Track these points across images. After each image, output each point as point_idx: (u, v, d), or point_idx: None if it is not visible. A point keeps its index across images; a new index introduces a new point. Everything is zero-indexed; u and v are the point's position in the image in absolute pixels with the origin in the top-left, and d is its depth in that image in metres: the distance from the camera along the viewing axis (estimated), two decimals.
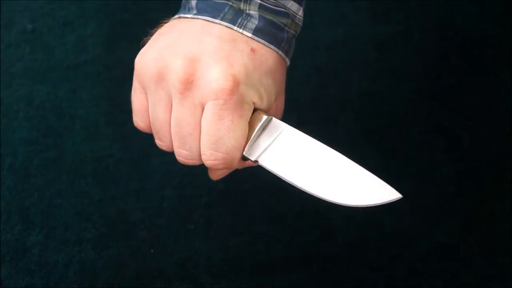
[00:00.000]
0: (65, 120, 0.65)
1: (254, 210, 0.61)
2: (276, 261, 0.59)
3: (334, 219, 0.60)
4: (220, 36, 0.42)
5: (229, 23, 0.43)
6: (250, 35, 0.43)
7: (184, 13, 0.44)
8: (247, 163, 0.46)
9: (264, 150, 0.43)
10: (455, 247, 0.59)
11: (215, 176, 0.47)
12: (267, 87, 0.44)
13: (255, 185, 0.61)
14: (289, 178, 0.43)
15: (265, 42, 0.43)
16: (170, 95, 0.43)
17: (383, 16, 0.71)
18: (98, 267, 0.58)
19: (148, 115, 0.45)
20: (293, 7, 0.44)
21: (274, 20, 0.44)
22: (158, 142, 0.46)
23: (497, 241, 0.60)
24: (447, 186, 0.62)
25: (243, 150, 0.43)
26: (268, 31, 0.43)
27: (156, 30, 0.45)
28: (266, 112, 0.44)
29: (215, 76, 0.41)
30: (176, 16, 0.45)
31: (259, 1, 0.43)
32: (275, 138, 0.44)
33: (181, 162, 0.45)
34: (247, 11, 0.43)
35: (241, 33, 0.43)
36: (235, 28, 0.43)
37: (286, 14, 0.44)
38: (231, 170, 0.47)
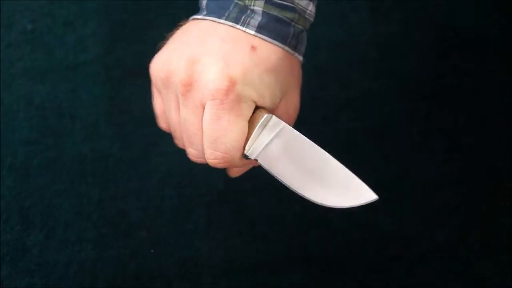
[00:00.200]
0: (65, 120, 0.65)
1: (254, 210, 0.61)
2: (276, 261, 0.59)
3: (334, 220, 0.60)
4: (222, 36, 0.43)
5: (233, 22, 0.43)
6: (253, 32, 0.43)
7: (197, 15, 0.45)
8: (252, 161, 0.46)
9: (263, 149, 0.44)
10: (455, 247, 0.59)
11: (231, 173, 0.48)
12: (269, 85, 0.43)
13: (255, 185, 0.61)
14: (277, 174, 0.44)
15: (268, 38, 0.43)
16: (177, 97, 0.44)
17: (383, 16, 0.71)
18: (98, 267, 0.58)
19: (166, 117, 0.46)
20: (302, 2, 0.44)
21: (279, 15, 0.43)
22: (175, 141, 0.47)
23: (497, 241, 0.60)
24: (447, 186, 0.62)
25: (244, 149, 0.43)
26: (272, 27, 0.43)
27: (172, 34, 0.46)
28: (273, 110, 0.44)
29: (211, 77, 0.42)
30: (191, 18, 0.46)
31: None
32: (273, 137, 0.44)
33: (193, 160, 0.46)
34: (251, 7, 0.43)
35: (244, 31, 0.43)
36: (238, 26, 0.43)
37: (293, 9, 0.44)
38: (248, 167, 0.48)
